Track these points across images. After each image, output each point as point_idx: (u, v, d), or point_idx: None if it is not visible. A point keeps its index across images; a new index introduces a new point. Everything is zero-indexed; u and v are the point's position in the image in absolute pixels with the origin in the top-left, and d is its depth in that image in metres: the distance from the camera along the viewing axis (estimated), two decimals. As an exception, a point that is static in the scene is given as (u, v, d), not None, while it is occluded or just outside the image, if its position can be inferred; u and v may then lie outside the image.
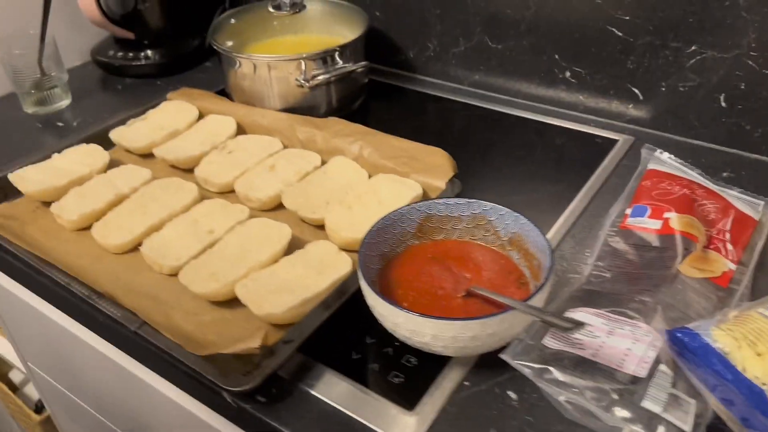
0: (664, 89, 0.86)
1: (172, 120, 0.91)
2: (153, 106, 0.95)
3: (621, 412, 0.49)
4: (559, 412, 0.52)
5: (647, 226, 0.65)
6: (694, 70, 0.83)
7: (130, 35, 1.11)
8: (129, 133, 0.89)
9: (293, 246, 0.68)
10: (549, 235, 0.72)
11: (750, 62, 0.79)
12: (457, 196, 0.73)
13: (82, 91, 1.09)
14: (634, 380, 0.50)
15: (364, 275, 0.56)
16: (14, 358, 1.13)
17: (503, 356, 0.52)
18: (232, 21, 1.00)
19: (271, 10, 1.00)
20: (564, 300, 0.59)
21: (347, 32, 0.99)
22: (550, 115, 0.95)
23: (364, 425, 0.53)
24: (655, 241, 0.63)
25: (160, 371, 0.63)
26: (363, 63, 0.92)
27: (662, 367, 0.50)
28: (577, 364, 0.51)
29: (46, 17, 0.97)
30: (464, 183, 0.76)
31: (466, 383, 0.56)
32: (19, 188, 0.78)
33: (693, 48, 0.82)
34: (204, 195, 0.78)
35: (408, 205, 0.64)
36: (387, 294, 0.59)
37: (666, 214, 0.66)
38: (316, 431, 0.53)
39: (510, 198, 0.77)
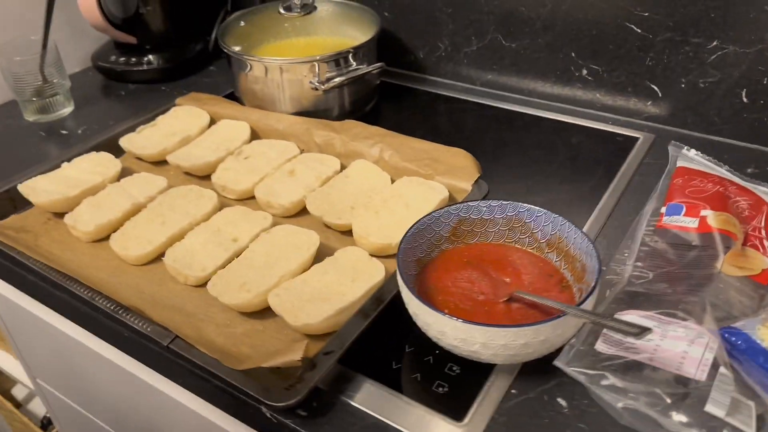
0: (683, 85, 0.86)
1: (184, 126, 0.88)
2: (162, 112, 0.93)
3: (681, 417, 0.48)
4: (613, 419, 0.51)
5: (685, 224, 0.64)
6: (715, 66, 0.82)
7: (132, 40, 1.08)
8: (139, 140, 0.86)
9: (320, 253, 0.66)
10: (580, 236, 0.70)
11: (773, 57, 0.78)
12: (485, 197, 0.72)
13: (83, 97, 1.06)
14: (694, 384, 0.48)
15: (405, 283, 0.54)
16: (19, 373, 1.09)
17: (557, 363, 0.51)
18: (242, 23, 0.97)
19: (281, 11, 0.98)
20: (608, 303, 0.58)
21: (357, 33, 0.97)
22: (566, 113, 0.94)
23: (413, 438, 0.51)
24: (695, 240, 0.62)
25: (189, 387, 0.60)
26: (378, 64, 0.90)
27: (722, 369, 0.49)
28: (632, 368, 0.50)
29: (48, 22, 0.94)
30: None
31: (513, 391, 0.55)
32: (30, 199, 0.75)
33: (714, 43, 0.81)
34: (222, 202, 0.76)
35: (441, 208, 0.62)
36: (426, 301, 0.58)
37: (702, 212, 0.65)
38: (363, 446, 0.51)
39: (529, 199, 0.75)
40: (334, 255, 0.65)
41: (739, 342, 0.53)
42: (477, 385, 0.55)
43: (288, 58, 0.88)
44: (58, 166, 0.81)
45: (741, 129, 0.84)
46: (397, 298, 0.60)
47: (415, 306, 0.53)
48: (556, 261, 0.61)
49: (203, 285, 0.65)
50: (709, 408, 0.47)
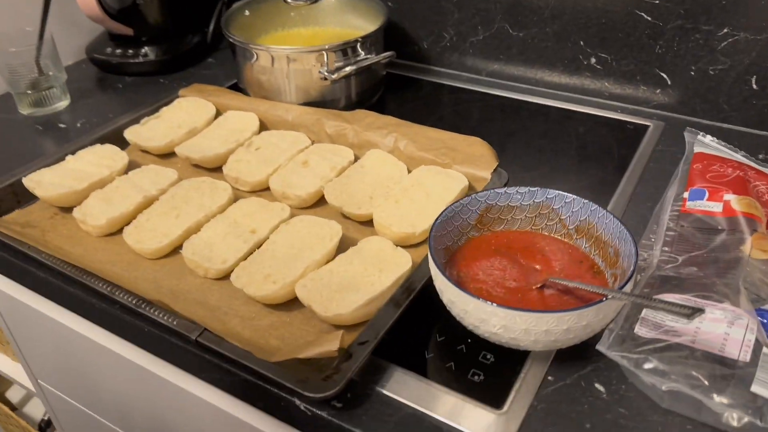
0: (693, 73, 0.86)
1: (189, 117, 0.86)
2: (164, 104, 0.90)
3: (724, 398, 0.47)
4: (653, 402, 0.51)
5: (709, 209, 0.64)
6: (725, 53, 0.83)
7: (128, 31, 1.06)
8: (144, 132, 0.84)
9: (340, 243, 0.65)
10: (601, 223, 0.70)
11: (785, 43, 0.79)
12: (505, 186, 0.71)
13: (79, 90, 1.03)
14: (737, 365, 0.48)
15: (441, 271, 0.53)
16: (17, 375, 1.06)
17: (600, 348, 0.50)
18: (246, 13, 0.95)
19: (287, 0, 0.96)
20: (641, 287, 0.57)
21: (363, 23, 0.96)
22: (575, 102, 0.94)
23: (453, 427, 0.50)
24: (721, 224, 0.62)
25: (215, 382, 0.59)
26: (388, 53, 0.89)
27: (765, 350, 0.48)
28: (674, 351, 0.50)
29: (46, 13, 0.91)
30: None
31: (550, 378, 0.54)
32: (36, 193, 0.73)
33: (725, 30, 0.81)
34: (235, 194, 0.74)
35: (468, 195, 0.61)
36: (464, 288, 0.57)
37: (725, 196, 0.65)
38: (403, 436, 0.50)
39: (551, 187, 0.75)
40: (358, 245, 0.64)
41: (770, 323, 0.54)
42: (513, 373, 0.54)
43: (295, 46, 0.87)
44: (61, 159, 0.79)
45: (750, 116, 0.85)
46: (425, 287, 0.59)
47: (451, 293, 0.52)
48: (585, 247, 0.60)
49: (224, 278, 0.63)
50: (755, 388, 0.46)
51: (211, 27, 1.12)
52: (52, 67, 0.96)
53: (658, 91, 0.90)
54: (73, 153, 0.79)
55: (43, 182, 0.74)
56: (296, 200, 0.72)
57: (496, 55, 0.99)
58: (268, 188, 0.75)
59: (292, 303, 0.60)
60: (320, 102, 0.89)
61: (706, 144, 0.74)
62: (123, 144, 0.84)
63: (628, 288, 0.50)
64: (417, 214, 0.67)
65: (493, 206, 0.62)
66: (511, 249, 0.61)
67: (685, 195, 0.67)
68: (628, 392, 0.52)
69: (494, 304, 0.49)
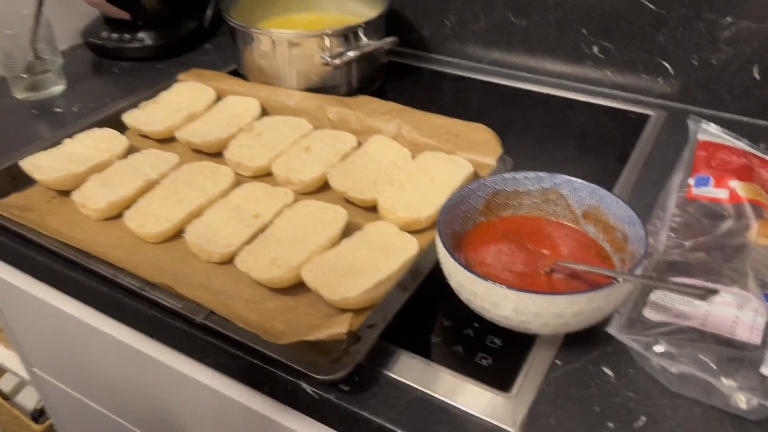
0: (695, 62, 0.86)
1: (189, 102, 0.85)
2: (163, 89, 0.89)
3: (733, 381, 0.47)
4: (662, 386, 0.51)
5: (715, 195, 0.64)
6: (728, 42, 0.83)
7: (125, 15, 1.04)
8: (143, 117, 0.83)
9: (346, 229, 0.64)
10: (605, 210, 0.70)
11: (788, 32, 0.79)
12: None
13: (74, 75, 1.01)
14: (748, 347, 0.48)
15: (451, 254, 0.52)
16: (11, 363, 1.05)
17: (610, 330, 0.50)
18: (246, -3, 0.94)
19: (288, -15, 0.95)
20: (649, 271, 0.57)
21: (364, 10, 0.95)
22: (576, 91, 0.93)
23: (461, 410, 0.50)
24: (727, 210, 0.62)
25: (219, 366, 0.58)
26: (391, 39, 0.88)
27: (776, 334, 0.49)
28: (684, 334, 0.50)
29: (42, -6, 0.89)
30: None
31: (558, 362, 0.54)
32: (34, 176, 0.72)
33: (728, 19, 0.81)
34: (237, 179, 0.73)
35: (473, 180, 0.61)
36: (473, 271, 0.56)
37: (731, 183, 0.65)
38: (411, 419, 0.50)
39: None
40: (363, 230, 0.63)
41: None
42: (521, 357, 0.54)
43: (297, 31, 0.86)
44: (59, 143, 0.77)
45: (751, 106, 0.85)
46: (432, 272, 0.59)
47: (461, 277, 0.52)
48: (592, 232, 0.60)
49: (227, 262, 0.63)
50: (765, 370, 0.46)
51: (209, 12, 1.11)
52: (47, 51, 0.95)
53: (660, 80, 0.90)
54: (70, 137, 0.78)
55: (41, 165, 0.73)
56: (299, 185, 0.72)
57: (498, 44, 0.99)
58: (270, 173, 0.74)
59: (297, 287, 0.59)
60: (321, 88, 0.89)
61: (710, 132, 0.74)
62: (120, 129, 0.83)
63: (638, 271, 0.50)
64: (422, 199, 0.67)
65: (500, 191, 0.62)
66: (519, 234, 0.61)
67: (691, 182, 0.67)
68: (637, 376, 0.52)
69: (506, 287, 0.49)
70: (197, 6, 1.11)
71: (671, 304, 0.52)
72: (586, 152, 0.82)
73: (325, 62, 0.86)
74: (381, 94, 0.95)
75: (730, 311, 0.50)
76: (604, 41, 0.90)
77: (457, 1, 0.98)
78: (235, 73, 0.95)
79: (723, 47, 0.83)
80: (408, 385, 0.52)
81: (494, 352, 0.55)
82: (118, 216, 0.69)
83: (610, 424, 0.49)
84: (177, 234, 0.66)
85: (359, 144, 0.78)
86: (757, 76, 0.83)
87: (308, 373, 0.49)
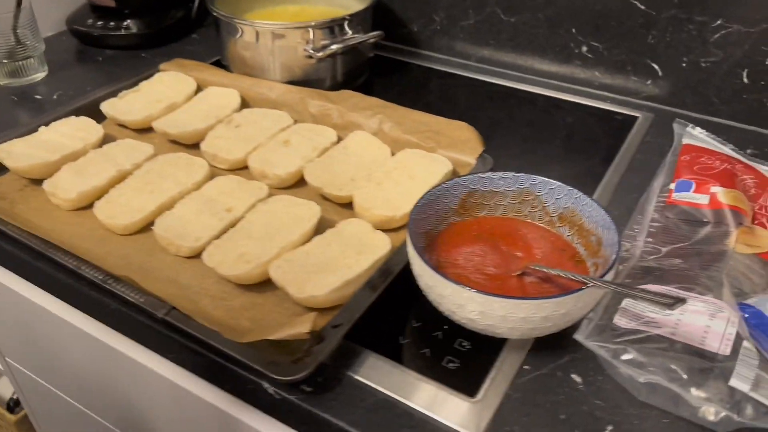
0: (685, 65, 0.85)
1: (169, 92, 0.84)
2: (144, 78, 0.88)
3: (702, 392, 0.46)
4: (630, 395, 0.49)
5: (695, 200, 0.63)
6: (717, 45, 0.81)
7: (110, 2, 1.03)
8: (122, 106, 0.82)
9: (319, 225, 0.63)
10: (585, 213, 0.69)
11: (778, 36, 0.77)
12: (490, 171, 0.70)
13: (58, 62, 1.00)
14: (717, 358, 0.47)
15: (419, 254, 0.51)
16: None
17: (577, 337, 0.49)
18: (231, -13, 0.93)
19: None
20: (623, 277, 0.56)
21: (351, 2, 0.94)
22: (564, 91, 0.92)
23: (425, 414, 0.49)
24: (707, 216, 0.61)
25: (182, 362, 0.57)
26: (376, 33, 0.87)
27: (746, 344, 0.47)
28: (653, 343, 0.49)
29: (23, -22, 0.88)
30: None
31: (526, 367, 0.53)
32: (6, 164, 0.71)
33: (719, 22, 0.80)
34: (212, 172, 0.72)
35: (452, 179, 0.60)
36: (442, 272, 0.55)
37: (712, 189, 0.64)
38: (373, 422, 0.49)
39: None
40: (337, 227, 0.62)
41: (753, 318, 0.53)
42: (488, 361, 0.53)
43: (281, 22, 0.85)
44: (34, 131, 0.76)
45: (740, 110, 0.83)
46: (403, 272, 0.57)
47: (428, 278, 0.51)
48: (567, 235, 0.59)
49: (196, 256, 0.61)
50: (734, 382, 0.45)
51: (196, 2, 1.09)
52: (30, 37, 0.94)
53: (648, 82, 0.88)
54: (46, 124, 0.77)
55: (14, 153, 0.71)
56: (275, 179, 0.70)
57: (487, 41, 0.98)
58: (246, 167, 0.73)
59: (265, 284, 0.58)
60: (305, 81, 0.87)
61: (695, 136, 0.73)
62: (99, 117, 0.81)
63: (609, 277, 0.49)
64: (399, 197, 0.66)
65: (476, 191, 0.61)
66: (493, 235, 0.60)
67: (672, 186, 0.66)
68: (606, 384, 0.51)
69: (472, 290, 0.48)
70: (184, -5, 1.10)
71: (642, 311, 0.51)
72: (571, 153, 0.81)
73: (308, 55, 0.84)
74: (367, 88, 0.94)
75: (701, 320, 0.49)
76: (593, 41, 0.89)
77: (447, -4, 0.97)
78: (219, 64, 0.94)
79: (713, 50, 0.82)
80: (372, 387, 0.51)
81: (462, 356, 0.54)
82: (90, 206, 0.67)
83: (575, 433, 0.48)
84: (147, 226, 0.65)
85: (339, 139, 0.77)
86: (746, 80, 0.81)
87: (268, 373, 0.48)
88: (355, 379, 0.52)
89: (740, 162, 0.69)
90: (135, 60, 1.01)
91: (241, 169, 0.74)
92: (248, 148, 0.74)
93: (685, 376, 0.47)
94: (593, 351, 0.49)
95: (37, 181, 0.71)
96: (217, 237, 0.62)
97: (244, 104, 0.84)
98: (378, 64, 0.99)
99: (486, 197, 0.61)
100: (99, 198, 0.67)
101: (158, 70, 0.89)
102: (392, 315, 0.57)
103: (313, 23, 0.84)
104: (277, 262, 0.57)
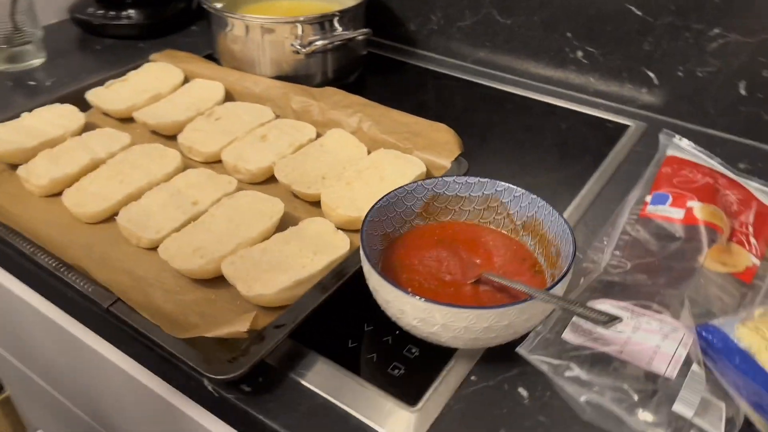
0: (680, 74, 0.82)
1: (156, 83, 0.84)
2: (134, 68, 0.88)
3: (646, 416, 0.44)
4: (576, 413, 0.48)
5: (669, 215, 0.61)
6: (714, 55, 0.79)
7: (111, -8, 1.03)
8: (107, 95, 0.82)
9: (284, 223, 0.63)
10: (560, 222, 0.67)
11: (776, 47, 0.74)
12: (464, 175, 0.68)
13: (57, 50, 1.01)
14: (664, 381, 0.45)
15: (367, 257, 0.50)
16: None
17: (519, 350, 0.48)
18: (224, -20, 0.93)
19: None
20: (582, 290, 0.54)
21: (346, -1, 0.93)
22: (558, 96, 0.90)
23: (361, 421, 0.48)
24: (678, 231, 0.59)
25: (132, 354, 0.57)
26: (365, 30, 0.86)
27: (695, 367, 0.45)
28: (600, 361, 0.47)
29: (20, -35, 0.89)
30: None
31: (473, 378, 0.51)
32: (-17, 148, 0.71)
33: (716, 31, 0.77)
34: (187, 164, 0.72)
35: (414, 181, 0.59)
36: (390, 278, 0.54)
37: (689, 203, 0.61)
38: (308, 426, 0.48)
39: (510, 182, 0.72)
40: (299, 225, 0.61)
41: (716, 340, 0.50)
42: (435, 370, 0.51)
43: (270, 17, 0.84)
44: (18, 116, 0.77)
45: (736, 122, 0.81)
46: (360, 274, 0.56)
47: (375, 281, 0.50)
48: (530, 245, 0.57)
49: (157, 248, 0.61)
50: (677, 407, 0.43)
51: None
52: (28, 23, 0.95)
53: (644, 90, 0.86)
54: (30, 110, 0.77)
55: (-7, 137, 0.72)
56: (247, 175, 0.70)
57: (482, 42, 0.96)
58: (221, 160, 0.73)
59: (220, 280, 0.58)
60: (294, 77, 0.87)
61: (681, 148, 0.70)
62: (87, 105, 0.82)
63: (558, 289, 0.48)
64: (367, 197, 0.65)
65: (440, 195, 0.59)
66: (455, 241, 0.58)
67: (648, 198, 0.64)
68: (553, 400, 0.49)
69: (413, 295, 0.46)
70: (186, -14, 1.10)
71: (593, 327, 0.49)
72: (561, 160, 0.79)
73: (294, 50, 0.84)
74: (359, 85, 0.94)
75: (653, 340, 0.47)
76: (589, 46, 0.87)
77: (444, -4, 0.95)
78: (212, 58, 0.94)
79: (710, 60, 0.79)
80: (312, 390, 0.50)
81: (410, 363, 0.52)
82: (62, 193, 0.68)
83: (513, 449, 0.46)
84: (113, 216, 0.65)
85: (319, 136, 0.76)
86: (743, 92, 0.78)
87: (200, 370, 0.48)
88: (296, 381, 0.51)
89: (725, 177, 0.66)
90: (132, 50, 1.02)
91: (216, 162, 0.74)
92: (224, 141, 0.74)
93: (630, 398, 0.45)
94: (536, 366, 0.47)
95: (16, 167, 0.71)
96: (178, 230, 0.61)
97: (230, 98, 0.84)
98: (373, 62, 0.98)
99: (451, 202, 0.60)
100: (71, 185, 0.68)
101: (148, 61, 0.89)
102: (346, 317, 0.56)
103: (301, 18, 0.83)
104: (231, 258, 0.57)
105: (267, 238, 0.60)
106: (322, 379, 0.51)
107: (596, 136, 0.83)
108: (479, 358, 0.53)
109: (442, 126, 0.74)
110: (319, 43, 0.83)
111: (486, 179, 0.59)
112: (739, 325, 0.51)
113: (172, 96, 0.82)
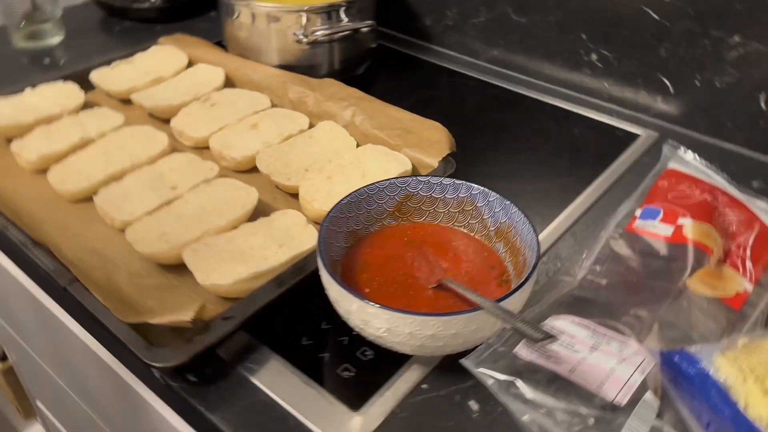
0: (698, 83, 0.77)
1: (160, 66, 0.84)
2: (143, 50, 0.89)
3: (590, 443, 0.42)
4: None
5: (657, 231, 0.57)
6: (734, 64, 0.74)
7: (134, -25, 1.05)
8: (111, 75, 0.83)
9: (261, 213, 0.62)
10: (547, 231, 0.64)
11: (800, 59, 0.69)
12: (450, 176, 0.66)
13: (77, 30, 1.03)
14: (611, 407, 0.42)
15: (322, 253, 0.49)
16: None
17: (464, 362, 0.45)
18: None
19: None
20: (549, 305, 0.51)
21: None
22: (571, 101, 0.86)
23: (300, 422, 0.47)
24: (662, 249, 0.55)
25: (92, 331, 0.57)
26: (368, 22, 0.84)
27: (648, 396, 0.42)
28: (551, 380, 0.44)
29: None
30: (468, 166, 0.69)
31: (424, 386, 0.49)
32: (-18, 121, 0.73)
33: (736, 39, 0.72)
34: (177, 148, 0.72)
35: (387, 179, 0.57)
36: (350, 277, 0.53)
37: (680, 220, 0.58)
38: (245, 422, 0.47)
39: (515, 186, 0.70)
40: (270, 217, 0.60)
41: (689, 368, 0.47)
42: (386, 375, 0.50)
43: (277, 4, 0.83)
44: (21, 91, 0.78)
45: (755, 138, 0.76)
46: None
47: (325, 279, 0.48)
48: (502, 252, 0.55)
49: (130, 230, 0.61)
50: (623, 437, 0.41)
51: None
52: (47, 1, 0.96)
53: (659, 98, 0.81)
54: (33, 86, 0.78)
55: (-7, 111, 0.74)
56: (231, 162, 0.69)
57: (497, 41, 0.93)
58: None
59: (186, 267, 0.57)
60: (300, 67, 0.86)
61: (684, 161, 0.66)
62: (91, 86, 0.83)
63: (512, 302, 0.45)
64: (344, 193, 0.62)
65: (413, 195, 0.57)
66: (425, 243, 0.56)
67: (638, 212, 0.60)
68: (504, 416, 0.47)
69: (356, 295, 0.45)
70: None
71: (558, 340, 0.46)
72: (564, 166, 0.75)
73: (297, 39, 0.82)
74: (368, 78, 0.92)
75: (608, 363, 0.44)
76: (604, 49, 0.83)
77: (459, -9, 0.93)
78: (222, 45, 0.94)
79: (729, 69, 0.74)
80: (256, 385, 0.49)
81: (362, 365, 0.51)
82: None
83: (451, 465, 0.44)
84: (94, 195, 0.65)
85: (311, 127, 0.75)
86: (763, 105, 0.74)
87: (139, 355, 0.47)
88: (244, 375, 0.50)
89: (727, 195, 0.62)
90: (149, 32, 1.03)
91: (206, 148, 0.73)
92: (215, 127, 0.73)
93: (576, 422, 0.42)
94: (480, 379, 0.45)
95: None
96: (150, 213, 0.61)
97: (230, 84, 0.83)
98: (384, 56, 0.97)
99: (425, 202, 0.58)
100: (59, 162, 0.68)
101: (156, 43, 0.90)
102: (304, 314, 0.55)
103: (306, 7, 0.82)
104: (194, 246, 0.56)
105: (236, 227, 0.59)
106: (269, 376, 0.50)
107: (605, 143, 0.79)
108: (435, 366, 0.51)
109: (436, 124, 0.72)
110: (320, 33, 0.81)
111: (461, 181, 0.56)
112: (718, 354, 0.48)
113: (173, 80, 0.82)
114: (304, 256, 0.56)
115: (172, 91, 0.80)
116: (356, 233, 0.56)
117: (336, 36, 0.83)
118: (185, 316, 0.47)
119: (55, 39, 0.99)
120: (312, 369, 0.50)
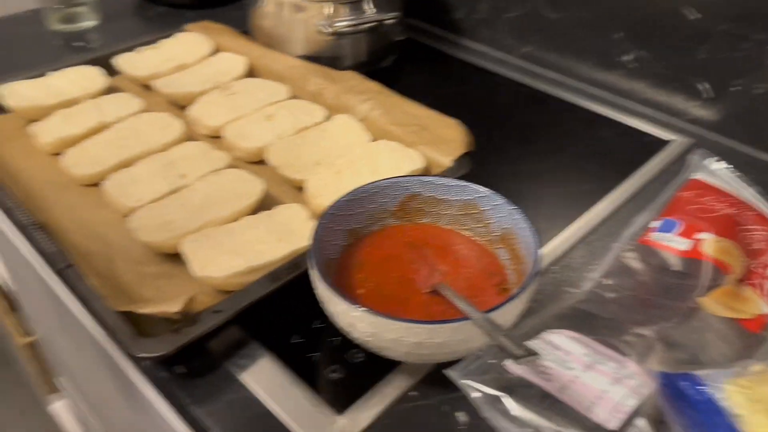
0: (737, 89, 0.73)
1: (183, 53, 0.84)
2: (167, 36, 0.89)
3: (578, 468, 0.39)
4: (511, 450, 0.43)
5: (672, 244, 0.54)
6: (776, 70, 0.69)
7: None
8: (136, 61, 0.83)
9: (267, 206, 0.61)
10: (559, 239, 0.61)
11: None
12: (461, 178, 0.64)
13: (112, 14, 1.04)
14: (601, 431, 0.40)
15: (315, 251, 0.48)
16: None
17: (449, 372, 0.44)
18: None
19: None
20: (549, 317, 0.49)
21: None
22: (603, 102, 0.83)
23: (281, 421, 0.46)
24: (676, 264, 0.52)
25: (95, 316, 0.57)
26: (393, 14, 0.82)
27: (640, 421, 0.40)
28: (537, 397, 0.42)
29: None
30: (490, 167, 0.67)
31: (413, 393, 0.48)
32: (5, 102, 0.74)
33: (779, 43, 0.68)
34: (192, 136, 0.72)
35: (390, 177, 0.55)
36: (346, 276, 0.51)
37: (699, 235, 0.54)
38: (225, 418, 0.46)
39: (538, 189, 0.69)
40: (272, 210, 0.59)
41: (694, 393, 0.44)
42: (375, 379, 0.48)
43: (304, -5, 0.82)
44: (44, 74, 0.79)
45: (795, 150, 0.71)
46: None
47: (314, 277, 0.47)
48: (504, 259, 0.53)
49: (137, 217, 0.61)
50: (610, 465, 0.38)
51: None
52: (83, -15, 0.98)
53: (695, 103, 0.77)
54: (56, 69, 0.80)
55: (17, 92, 0.75)
56: (243, 152, 0.69)
57: (530, 37, 0.90)
58: (225, 135, 0.72)
59: (187, 256, 0.57)
60: (325, 57, 0.84)
61: (711, 171, 0.63)
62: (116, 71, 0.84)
63: (505, 312, 0.43)
64: (351, 188, 0.62)
65: (417, 195, 0.56)
66: (426, 245, 0.55)
67: (655, 224, 0.57)
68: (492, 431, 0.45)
69: (341, 297, 0.43)
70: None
71: (540, 358, 0.44)
72: (591, 171, 0.72)
73: (319, 30, 0.81)
74: (393, 72, 0.90)
75: (601, 383, 0.42)
76: (638, 49, 0.79)
77: (491, -16, 0.90)
78: (247, 33, 0.93)
79: (770, 75, 0.70)
80: (241, 382, 0.49)
81: (351, 368, 0.50)
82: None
83: (430, 478, 0.43)
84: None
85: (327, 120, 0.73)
86: (806, 115, 0.69)
87: (124, 343, 0.47)
88: (231, 370, 0.49)
89: (755, 210, 0.59)
90: (180, 18, 1.02)
91: (220, 137, 0.73)
92: (231, 117, 0.73)
93: (562, 444, 0.40)
94: (464, 392, 0.43)
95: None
96: (156, 201, 0.61)
97: (253, 74, 0.83)
98: (413, 49, 0.95)
99: (429, 203, 0.56)
100: (75, 146, 0.69)
101: (182, 30, 0.90)
102: (298, 311, 0.54)
103: (332, -3, 0.81)
104: (194, 236, 0.56)
105: (238, 219, 0.59)
106: (256, 372, 0.49)
107: (636, 148, 0.75)
108: (425, 374, 0.49)
109: (453, 122, 0.70)
110: (342, 23, 0.80)
111: (467, 183, 0.54)
112: (729, 380, 0.45)
113: (197, 67, 0.82)
114: (303, 252, 0.55)
115: (192, 78, 0.80)
116: (356, 232, 0.55)
117: (360, 27, 0.82)
118: (173, 307, 0.47)
119: (90, 23, 1.00)
120: (301, 368, 0.50)
